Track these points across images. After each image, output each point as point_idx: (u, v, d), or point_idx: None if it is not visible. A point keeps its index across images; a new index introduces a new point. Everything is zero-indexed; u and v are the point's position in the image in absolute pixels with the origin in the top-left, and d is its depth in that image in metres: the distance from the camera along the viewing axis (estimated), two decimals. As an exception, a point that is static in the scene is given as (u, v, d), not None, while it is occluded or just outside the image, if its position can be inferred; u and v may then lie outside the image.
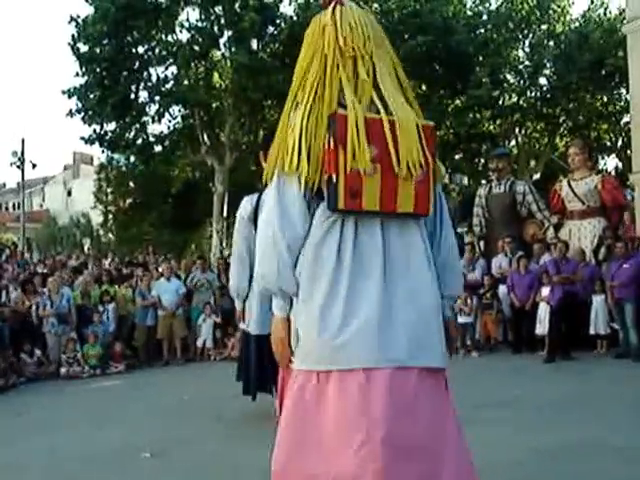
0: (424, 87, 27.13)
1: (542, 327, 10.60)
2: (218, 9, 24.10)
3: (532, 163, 30.77)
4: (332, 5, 2.89)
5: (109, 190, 35.84)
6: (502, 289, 11.68)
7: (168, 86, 25.22)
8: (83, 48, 24.18)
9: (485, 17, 28.61)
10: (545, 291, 10.71)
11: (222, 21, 24.22)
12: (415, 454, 2.51)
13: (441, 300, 2.79)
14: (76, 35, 24.08)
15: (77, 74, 24.39)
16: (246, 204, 5.60)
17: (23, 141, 36.11)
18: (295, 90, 2.80)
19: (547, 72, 28.26)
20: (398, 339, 2.59)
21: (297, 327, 2.70)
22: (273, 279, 2.69)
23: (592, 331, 10.55)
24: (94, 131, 25.16)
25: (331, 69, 2.72)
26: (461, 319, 11.35)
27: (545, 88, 28.29)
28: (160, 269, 13.69)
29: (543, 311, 10.67)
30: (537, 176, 29.76)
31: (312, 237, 2.67)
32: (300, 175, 2.63)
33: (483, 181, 24.13)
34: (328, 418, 2.55)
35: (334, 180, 2.57)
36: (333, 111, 2.64)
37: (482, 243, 13.79)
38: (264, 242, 2.71)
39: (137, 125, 25.63)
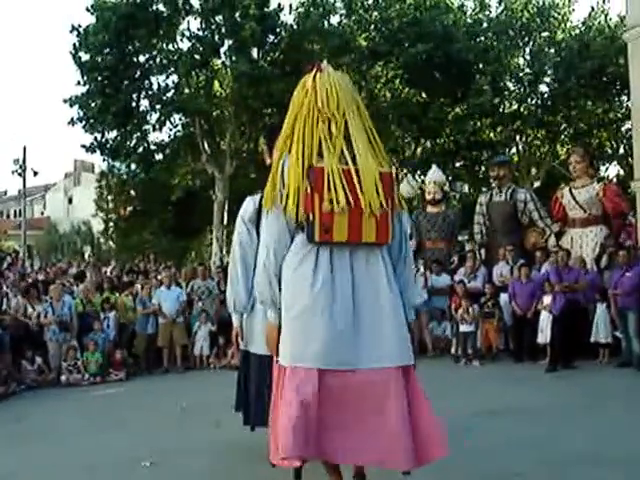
0: (424, 95, 27.15)
1: (544, 336, 10.57)
2: (219, 18, 24.13)
3: (533, 171, 30.76)
4: (314, 72, 3.61)
5: (110, 198, 35.90)
6: (503, 297, 11.65)
7: (169, 95, 25.24)
8: (84, 57, 24.22)
9: (485, 25, 28.63)
10: (547, 299, 10.68)
11: (223, 30, 24.25)
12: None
13: (403, 307, 3.63)
14: (77, 44, 24.13)
15: (78, 83, 24.43)
16: (248, 205, 5.00)
17: (25, 149, 36.18)
18: (284, 140, 3.59)
19: (548, 79, 28.28)
20: (363, 346, 3.44)
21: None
22: (267, 294, 3.59)
23: (594, 340, 10.53)
24: (95, 139, 25.20)
25: (311, 128, 3.49)
26: (463, 328, 11.33)
27: (546, 95, 28.31)
28: (160, 277, 13.67)
29: (545, 320, 10.64)
30: (538, 184, 29.75)
31: (290, 261, 3.50)
32: (286, 212, 3.44)
33: (484, 189, 24.13)
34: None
35: (311, 218, 3.39)
36: (309, 164, 3.43)
37: (483, 251, 13.78)
38: (259, 264, 3.60)
39: (138, 133, 25.65)
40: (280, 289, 3.55)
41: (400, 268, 3.68)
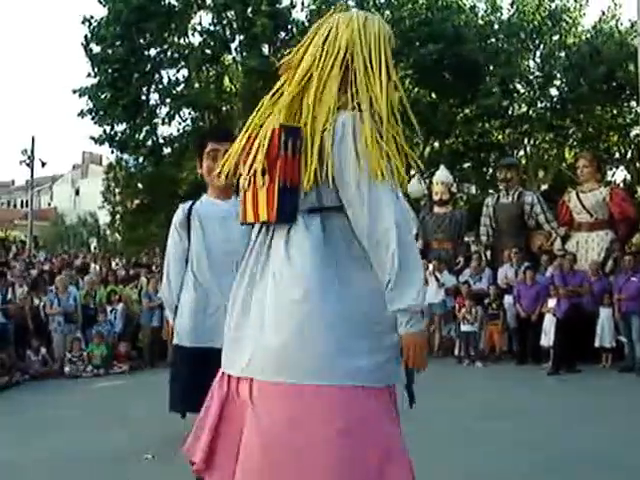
0: (434, 95, 27.14)
1: (547, 339, 10.58)
2: (230, 13, 24.17)
3: (540, 174, 30.71)
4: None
5: (117, 190, 35.87)
6: (508, 299, 11.66)
7: (179, 89, 25.28)
8: (96, 49, 24.27)
9: (496, 27, 28.57)
10: (551, 303, 10.69)
11: (234, 25, 24.30)
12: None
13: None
14: (89, 36, 24.17)
15: (89, 75, 24.48)
16: (178, 212, 5.13)
17: (33, 139, 36.26)
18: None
19: (558, 83, 28.23)
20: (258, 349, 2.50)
21: None
22: None
23: (597, 344, 10.54)
24: (104, 131, 25.25)
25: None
26: (465, 328, 11.34)
27: (555, 99, 28.26)
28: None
29: (549, 323, 10.65)
30: (545, 187, 29.71)
31: None
32: None
33: (491, 190, 24.11)
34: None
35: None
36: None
37: (489, 253, 13.79)
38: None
39: (147, 127, 25.69)
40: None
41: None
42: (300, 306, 2.45)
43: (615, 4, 28.42)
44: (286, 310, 2.48)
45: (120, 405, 8.51)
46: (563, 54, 27.91)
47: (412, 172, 24.95)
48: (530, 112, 27.98)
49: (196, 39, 25.07)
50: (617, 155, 30.64)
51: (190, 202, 5.11)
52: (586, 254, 12.17)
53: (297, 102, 2.64)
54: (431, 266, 12.30)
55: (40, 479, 5.16)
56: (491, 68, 26.66)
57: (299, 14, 25.41)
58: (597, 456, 5.25)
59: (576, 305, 10.47)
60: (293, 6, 24.91)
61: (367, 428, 2.36)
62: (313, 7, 25.96)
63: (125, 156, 28.65)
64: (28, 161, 36.16)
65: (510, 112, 27.50)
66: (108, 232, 42.60)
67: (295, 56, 2.78)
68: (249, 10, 23.61)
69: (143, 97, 25.28)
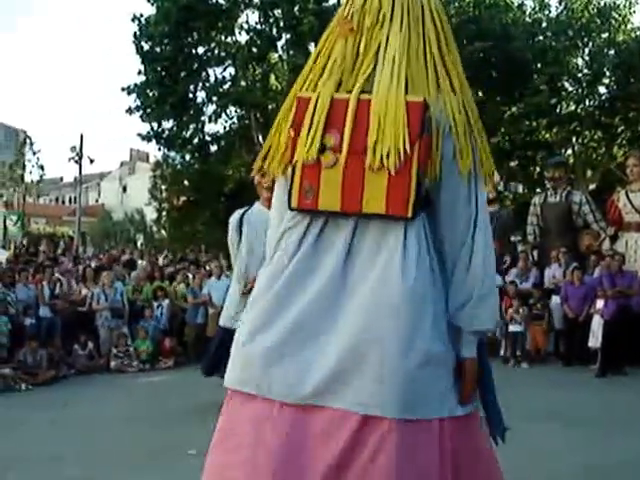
0: (480, 93, 26.95)
1: (595, 340, 10.42)
2: (277, 12, 24.30)
3: (589, 173, 30.31)
4: None
5: (164, 187, 36.17)
6: (555, 300, 11.52)
7: (225, 87, 25.48)
8: (145, 47, 24.57)
9: (545, 24, 28.30)
10: (600, 303, 10.54)
11: (281, 24, 24.41)
12: None
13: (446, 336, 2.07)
14: (138, 33, 24.46)
15: (139, 72, 24.77)
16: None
17: (82, 137, 36.76)
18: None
19: (606, 81, 27.85)
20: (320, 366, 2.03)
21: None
22: None
23: (645, 346, 10.36)
24: (152, 129, 25.52)
25: (328, 48, 2.28)
26: (512, 327, 11.22)
27: (604, 97, 27.89)
28: (208, 267, 13.81)
29: (597, 324, 10.49)
30: (593, 186, 29.32)
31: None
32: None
33: (538, 189, 23.87)
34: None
35: (290, 173, 2.11)
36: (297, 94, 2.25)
37: (535, 252, 13.62)
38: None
39: (194, 124, 25.92)
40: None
41: (455, 271, 2.09)
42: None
43: (665, 1, 28.02)
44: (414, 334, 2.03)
45: (165, 400, 8.59)
46: (612, 52, 27.54)
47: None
48: (578, 110, 27.66)
49: (243, 37, 25.30)
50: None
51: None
52: (635, 254, 11.96)
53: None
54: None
55: (86, 474, 5.22)
56: (539, 66, 26.42)
57: (345, 12, 25.47)
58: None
59: (624, 306, 10.30)
60: (340, 4, 24.93)
61: None
62: (359, 5, 25.96)
63: (172, 153, 28.95)
64: (77, 158, 36.68)
65: (558, 110, 27.21)
66: (154, 229, 42.98)
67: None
68: (296, 8, 23.72)
69: (190, 95, 25.53)
